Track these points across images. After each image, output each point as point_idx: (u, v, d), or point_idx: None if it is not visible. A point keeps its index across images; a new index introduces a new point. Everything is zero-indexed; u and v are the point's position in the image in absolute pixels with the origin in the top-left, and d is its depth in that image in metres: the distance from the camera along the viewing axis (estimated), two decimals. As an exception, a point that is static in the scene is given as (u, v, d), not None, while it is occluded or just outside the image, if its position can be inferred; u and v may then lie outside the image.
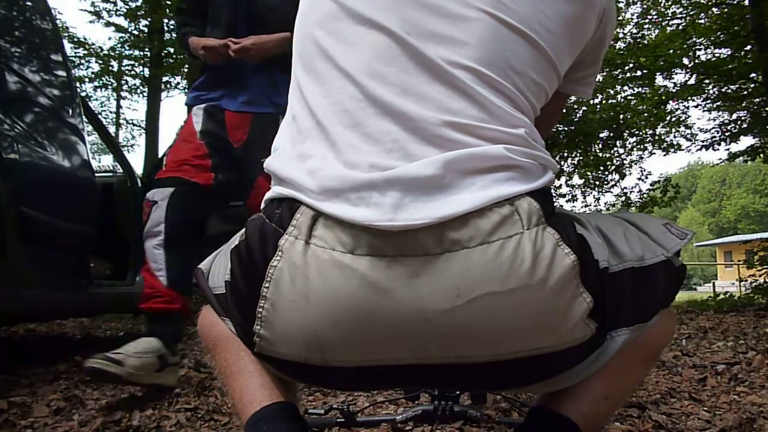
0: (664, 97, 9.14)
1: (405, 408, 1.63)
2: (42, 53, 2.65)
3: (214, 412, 1.70)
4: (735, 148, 8.65)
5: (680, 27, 8.98)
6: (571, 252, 0.67)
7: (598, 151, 10.60)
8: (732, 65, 8.11)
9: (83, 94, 11.91)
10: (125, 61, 12.00)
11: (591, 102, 9.66)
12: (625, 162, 10.86)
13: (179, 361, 1.79)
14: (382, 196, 0.64)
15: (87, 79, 12.22)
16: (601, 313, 0.71)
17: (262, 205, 0.77)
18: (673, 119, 10.07)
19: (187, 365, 2.48)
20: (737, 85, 8.44)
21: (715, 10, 8.73)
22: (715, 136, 8.93)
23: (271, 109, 2.03)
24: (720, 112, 9.35)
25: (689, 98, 9.13)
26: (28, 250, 2.05)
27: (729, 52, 8.41)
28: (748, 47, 7.95)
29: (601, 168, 10.76)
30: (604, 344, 0.76)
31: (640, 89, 9.70)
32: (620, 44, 9.31)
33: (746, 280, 8.08)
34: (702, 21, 8.87)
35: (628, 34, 10.07)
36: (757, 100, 8.30)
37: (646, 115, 9.69)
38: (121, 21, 10.36)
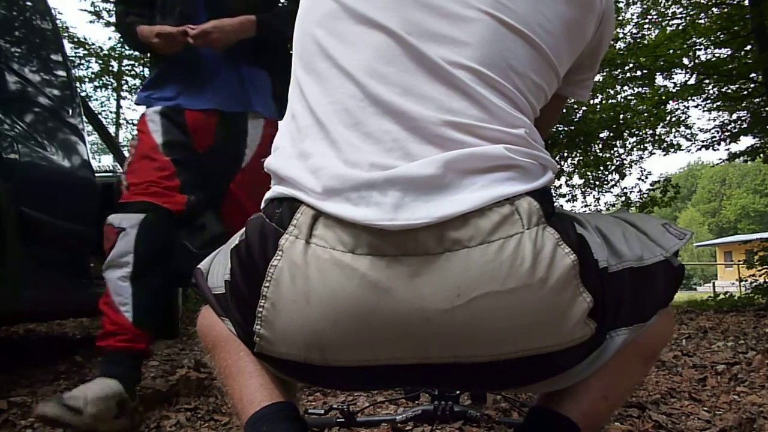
0: (664, 97, 9.14)
1: (405, 408, 1.63)
2: (42, 53, 2.65)
3: (214, 412, 1.71)
4: (735, 148, 8.66)
5: (680, 27, 8.98)
6: (571, 252, 0.67)
7: (598, 151, 10.60)
8: (732, 65, 8.11)
9: (83, 94, 11.91)
10: (125, 61, 12.01)
11: (591, 102, 9.66)
12: (625, 162, 10.86)
13: (139, 406, 1.60)
14: (382, 196, 0.64)
15: (87, 79, 12.23)
16: (601, 312, 0.71)
17: (262, 205, 0.77)
18: (673, 119, 10.06)
19: (187, 365, 2.48)
20: (737, 85, 8.44)
21: (715, 10, 8.73)
22: (715, 136, 8.93)
23: (238, 107, 1.78)
24: (720, 112, 9.35)
25: (689, 98, 9.12)
26: (28, 250, 2.05)
27: (729, 52, 8.40)
28: (748, 47, 7.95)
29: (601, 168, 10.76)
30: (603, 344, 0.76)
31: (640, 89, 9.70)
32: (620, 44, 9.31)
33: (746, 280, 8.08)
34: (702, 21, 8.87)
35: (628, 34, 10.07)
36: (757, 100, 8.30)
37: (646, 115, 9.69)
38: (121, 21, 10.34)
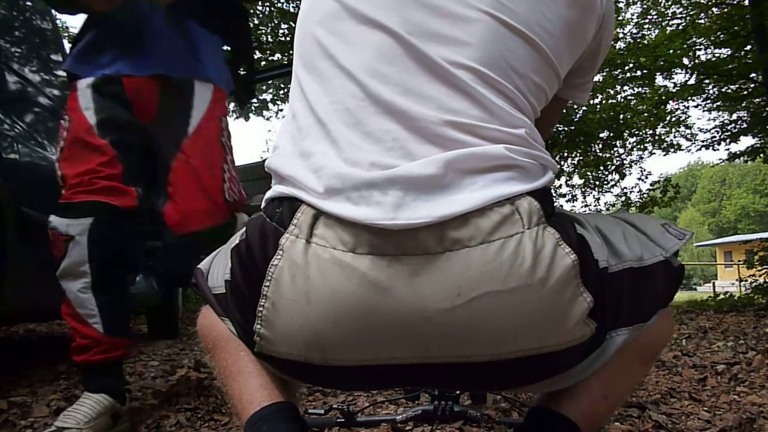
0: (664, 97, 9.15)
1: (405, 408, 1.63)
2: (42, 53, 2.65)
3: (214, 412, 1.71)
4: (735, 148, 8.67)
5: (680, 27, 8.99)
6: (572, 251, 0.67)
7: (598, 151, 10.61)
8: (732, 65, 8.12)
9: (83, 94, 11.86)
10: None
11: (591, 102, 9.66)
12: (625, 162, 10.87)
13: (128, 411, 1.56)
14: (383, 195, 0.64)
15: (87, 79, 12.21)
16: (601, 312, 0.71)
17: (263, 204, 0.77)
18: (673, 119, 10.08)
19: (187, 365, 2.48)
20: (737, 85, 8.45)
21: (715, 10, 8.74)
22: (715, 136, 8.94)
23: (185, 72, 1.56)
24: (720, 112, 9.35)
25: (689, 98, 9.14)
26: (28, 250, 2.05)
27: (729, 52, 8.41)
28: (748, 47, 7.95)
29: (601, 168, 10.77)
30: (603, 344, 0.76)
31: (640, 89, 9.71)
32: (620, 44, 9.32)
33: (746, 280, 8.09)
34: (702, 21, 8.87)
35: (628, 34, 10.08)
36: (757, 100, 8.31)
37: (646, 115, 9.70)
38: (121, 21, 10.35)
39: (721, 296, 7.77)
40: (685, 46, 8.49)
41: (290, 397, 0.83)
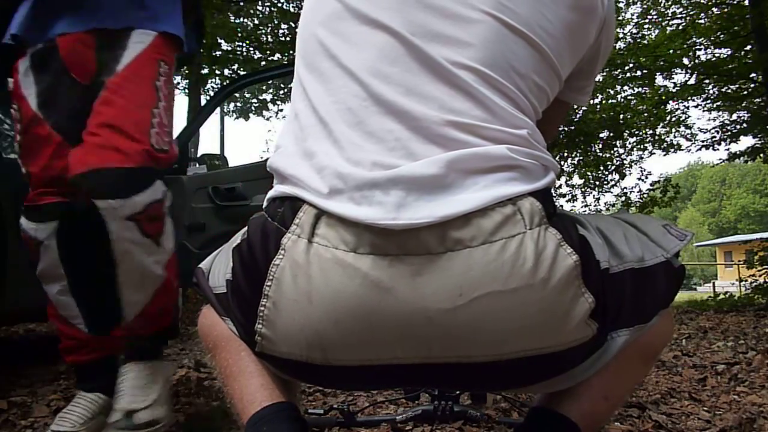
0: (664, 97, 9.16)
1: (405, 408, 1.63)
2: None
3: (213, 412, 1.70)
4: (735, 148, 8.67)
5: (680, 27, 8.99)
6: (573, 252, 0.67)
7: (598, 151, 10.61)
8: (732, 65, 8.12)
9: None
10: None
11: (591, 102, 9.66)
12: (625, 162, 10.86)
13: None
14: (385, 195, 0.65)
15: (87, 79, 12.21)
16: (602, 313, 0.71)
17: (264, 204, 0.77)
18: (673, 119, 10.07)
19: (187, 365, 2.48)
20: (737, 85, 8.45)
21: (715, 10, 8.74)
22: (715, 136, 8.94)
23: (123, 21, 1.38)
24: (720, 112, 9.35)
25: (689, 98, 9.14)
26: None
27: (729, 52, 8.42)
28: (748, 47, 7.96)
29: (601, 168, 10.77)
30: (605, 345, 0.76)
31: (640, 89, 9.71)
32: (620, 44, 9.32)
33: (746, 280, 8.09)
34: (702, 21, 8.88)
35: (628, 34, 10.08)
36: (757, 100, 8.31)
37: (646, 115, 9.70)
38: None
39: (721, 296, 7.77)
40: (685, 46, 8.49)
41: (291, 397, 0.83)
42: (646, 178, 10.77)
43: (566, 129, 9.61)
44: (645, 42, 9.30)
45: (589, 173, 10.97)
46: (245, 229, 0.79)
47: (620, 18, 9.91)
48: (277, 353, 0.74)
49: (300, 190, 0.70)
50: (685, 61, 8.77)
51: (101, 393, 1.44)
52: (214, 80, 10.29)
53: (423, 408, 1.44)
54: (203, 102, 8.84)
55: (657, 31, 9.83)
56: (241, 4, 9.17)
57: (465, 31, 0.71)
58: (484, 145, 0.67)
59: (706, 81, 8.69)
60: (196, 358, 2.67)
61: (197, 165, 3.76)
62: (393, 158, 0.66)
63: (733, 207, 44.23)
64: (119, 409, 1.32)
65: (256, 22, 9.95)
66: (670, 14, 9.76)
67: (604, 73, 9.16)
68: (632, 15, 10.29)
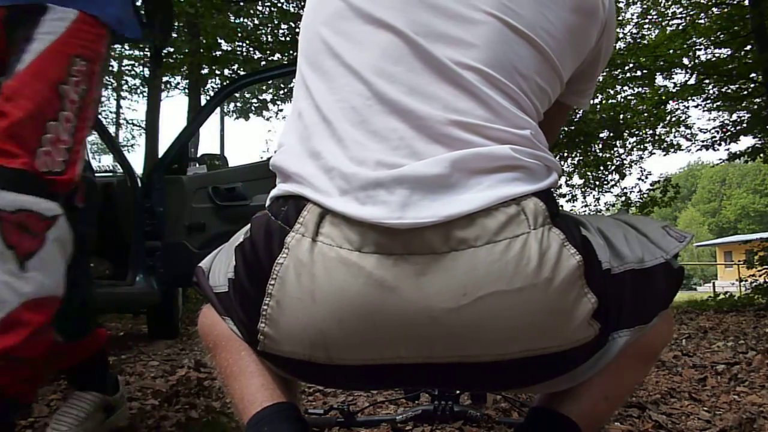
0: (664, 97, 9.16)
1: (405, 408, 1.63)
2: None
3: (213, 412, 1.71)
4: (735, 148, 8.67)
5: (680, 27, 9.00)
6: (577, 252, 0.67)
7: (598, 151, 10.61)
8: (732, 65, 8.12)
9: (83, 94, 11.87)
10: (125, 61, 12.02)
11: (591, 102, 9.67)
12: (625, 162, 10.87)
13: (123, 397, 1.50)
14: (389, 194, 0.65)
15: (87, 79, 12.21)
16: (605, 313, 0.71)
17: (267, 203, 0.77)
18: (673, 119, 10.08)
19: (187, 365, 2.48)
20: (737, 85, 8.46)
21: (715, 10, 8.74)
22: (715, 136, 8.94)
23: None
24: (720, 112, 9.36)
25: (689, 98, 9.14)
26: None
27: (729, 52, 8.42)
28: (748, 47, 7.96)
29: (601, 168, 10.77)
30: (606, 345, 0.76)
31: (640, 89, 9.72)
32: (620, 44, 9.32)
33: (746, 280, 8.09)
34: (702, 21, 8.88)
35: (628, 34, 10.08)
36: (757, 100, 8.32)
37: (646, 115, 9.70)
38: (121, 21, 10.36)
39: (721, 296, 7.77)
40: (685, 46, 8.50)
41: (291, 397, 0.83)
42: (646, 178, 10.78)
43: (566, 129, 9.62)
44: (645, 42, 9.31)
45: (589, 173, 10.98)
46: (247, 227, 0.78)
47: (620, 18, 9.91)
48: (280, 352, 0.74)
49: (304, 189, 0.70)
50: (685, 61, 8.77)
51: (94, 390, 1.41)
52: (214, 80, 10.30)
53: (423, 408, 1.45)
54: (203, 102, 8.85)
55: (657, 31, 9.84)
56: (241, 4, 9.17)
57: (468, 31, 0.71)
58: (487, 145, 0.67)
59: (706, 81, 8.69)
60: (196, 358, 2.67)
61: (197, 165, 3.76)
62: (397, 157, 0.66)
63: (733, 207, 44.23)
64: None
65: (256, 22, 9.95)
66: (670, 14, 9.76)
67: (604, 73, 9.16)
68: (632, 15, 10.31)
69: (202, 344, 0.93)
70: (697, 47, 8.77)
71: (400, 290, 0.65)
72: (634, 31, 10.15)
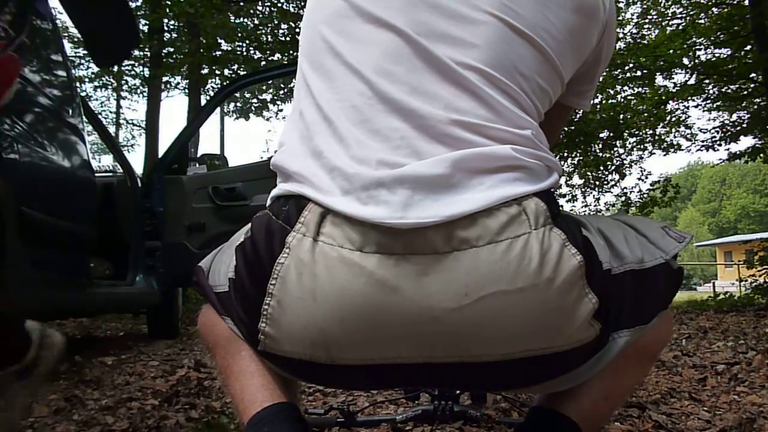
0: (664, 97, 9.16)
1: (405, 408, 1.63)
2: (42, 53, 2.65)
3: (213, 412, 1.71)
4: (735, 148, 8.67)
5: (680, 27, 9.00)
6: (578, 252, 0.67)
7: (598, 151, 10.60)
8: (732, 65, 8.12)
9: (83, 94, 11.91)
10: (125, 61, 12.01)
11: (591, 103, 9.67)
12: (625, 162, 10.86)
13: (43, 341, 1.29)
14: (391, 194, 0.65)
15: (87, 79, 12.25)
16: (605, 314, 0.71)
17: (268, 202, 0.77)
18: (673, 119, 10.08)
19: (187, 365, 2.48)
20: (737, 85, 8.45)
21: (715, 10, 8.74)
22: (715, 136, 8.94)
23: None
24: (720, 112, 9.35)
25: (689, 98, 9.14)
26: (28, 250, 2.05)
27: (729, 52, 8.42)
28: (748, 47, 7.96)
29: (601, 168, 10.76)
30: (606, 346, 0.76)
31: (640, 89, 9.71)
32: (620, 44, 9.32)
33: (746, 280, 8.09)
34: (702, 21, 8.88)
35: (628, 34, 10.08)
36: (757, 100, 8.32)
37: (646, 115, 9.70)
38: (121, 21, 10.37)
39: (721, 296, 7.77)
40: (685, 46, 8.49)
41: (291, 397, 0.83)
42: (646, 178, 10.77)
43: (566, 129, 9.61)
44: (645, 42, 9.30)
45: (589, 173, 10.97)
46: (248, 227, 0.78)
47: (620, 18, 9.91)
48: (281, 352, 0.74)
49: (305, 188, 0.70)
50: (685, 61, 8.77)
51: None
52: (214, 80, 10.29)
53: (423, 408, 1.44)
54: (203, 102, 8.85)
55: (657, 31, 9.84)
56: (241, 4, 9.17)
57: (470, 31, 0.71)
58: (489, 145, 0.67)
59: (706, 81, 8.69)
60: (196, 358, 2.67)
61: (197, 165, 3.76)
62: (398, 156, 0.66)
63: (733, 207, 44.22)
64: None
65: (256, 22, 9.95)
66: (670, 14, 9.77)
67: (604, 74, 9.15)
68: (632, 15, 10.31)
69: (202, 344, 0.93)
70: (697, 47, 8.77)
71: (402, 290, 0.65)
72: (634, 31, 10.15)
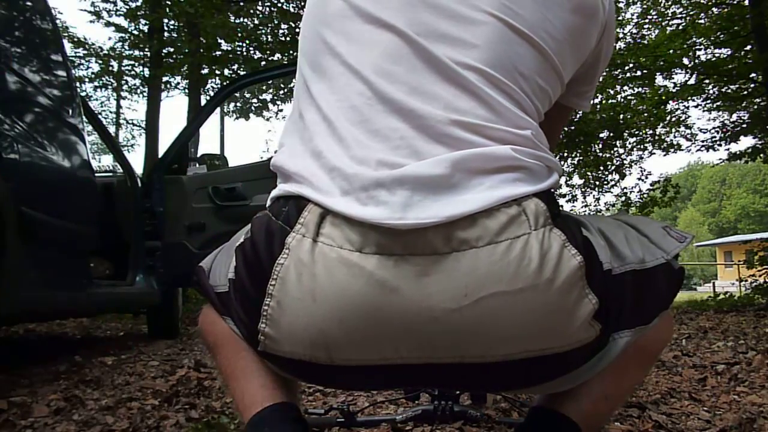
0: (664, 97, 9.15)
1: (405, 408, 1.63)
2: (42, 53, 2.65)
3: (213, 412, 1.70)
4: (735, 148, 8.67)
5: (680, 27, 8.99)
6: (578, 253, 0.67)
7: (598, 151, 10.60)
8: (732, 65, 8.12)
9: (83, 94, 11.91)
10: (125, 61, 12.02)
11: (591, 103, 9.66)
12: (625, 162, 10.86)
13: None
14: (390, 195, 0.65)
15: (87, 79, 12.24)
16: (606, 314, 0.71)
17: (268, 203, 0.77)
18: (673, 119, 10.07)
19: (187, 365, 2.48)
20: (737, 85, 8.45)
21: (715, 10, 8.74)
22: (715, 136, 8.95)
23: None
24: (720, 112, 9.35)
25: (689, 98, 9.14)
26: (28, 250, 2.05)
27: (729, 52, 8.42)
28: (748, 47, 7.96)
29: (601, 168, 10.76)
30: (607, 346, 0.76)
31: (640, 89, 9.71)
32: (620, 44, 9.32)
33: (746, 280, 8.08)
34: (702, 21, 8.88)
35: (628, 34, 10.08)
36: (757, 100, 8.32)
37: (646, 115, 9.70)
38: (121, 21, 10.39)
39: (721, 296, 7.76)
40: (685, 46, 8.48)
41: (292, 397, 0.83)
42: (646, 178, 10.77)
43: (566, 129, 9.61)
44: (645, 42, 9.30)
45: (589, 173, 10.97)
46: (248, 227, 0.78)
47: (620, 18, 9.91)
48: (281, 352, 0.74)
49: (305, 189, 0.70)
50: (685, 61, 8.77)
51: None
52: (214, 80, 10.29)
53: (423, 408, 1.44)
54: (203, 102, 8.85)
55: (657, 31, 9.83)
56: (241, 4, 9.16)
57: (469, 32, 0.71)
58: (488, 145, 0.67)
59: (706, 81, 8.69)
60: (196, 358, 2.67)
61: (197, 165, 3.76)
62: (398, 157, 0.66)
63: (733, 207, 44.20)
64: None
65: (256, 22, 9.94)
66: (670, 14, 9.76)
67: (604, 74, 9.15)
68: (632, 15, 10.31)
69: (203, 344, 0.93)
70: (697, 47, 8.76)
71: (402, 291, 0.65)
72: (634, 31, 10.15)
